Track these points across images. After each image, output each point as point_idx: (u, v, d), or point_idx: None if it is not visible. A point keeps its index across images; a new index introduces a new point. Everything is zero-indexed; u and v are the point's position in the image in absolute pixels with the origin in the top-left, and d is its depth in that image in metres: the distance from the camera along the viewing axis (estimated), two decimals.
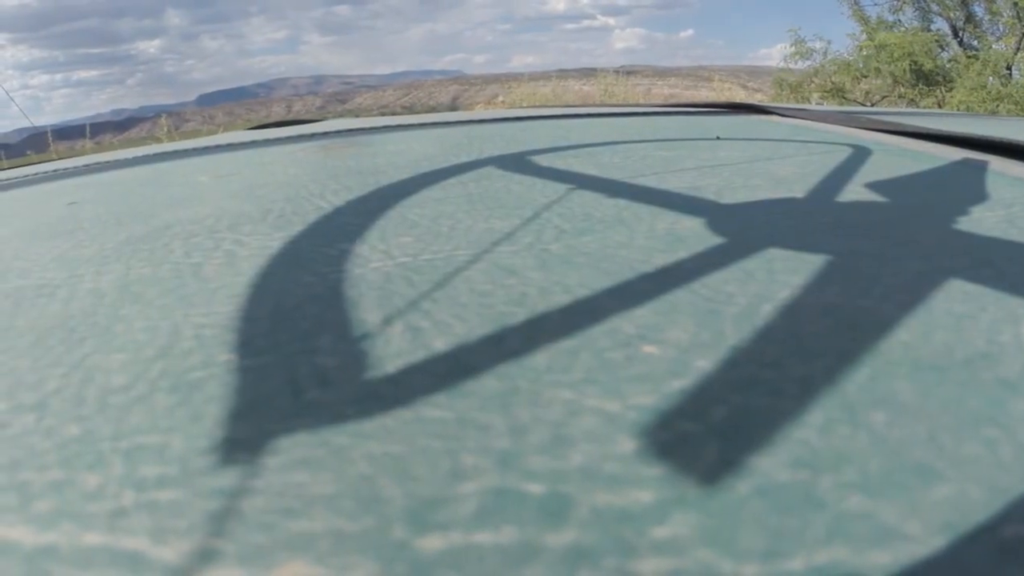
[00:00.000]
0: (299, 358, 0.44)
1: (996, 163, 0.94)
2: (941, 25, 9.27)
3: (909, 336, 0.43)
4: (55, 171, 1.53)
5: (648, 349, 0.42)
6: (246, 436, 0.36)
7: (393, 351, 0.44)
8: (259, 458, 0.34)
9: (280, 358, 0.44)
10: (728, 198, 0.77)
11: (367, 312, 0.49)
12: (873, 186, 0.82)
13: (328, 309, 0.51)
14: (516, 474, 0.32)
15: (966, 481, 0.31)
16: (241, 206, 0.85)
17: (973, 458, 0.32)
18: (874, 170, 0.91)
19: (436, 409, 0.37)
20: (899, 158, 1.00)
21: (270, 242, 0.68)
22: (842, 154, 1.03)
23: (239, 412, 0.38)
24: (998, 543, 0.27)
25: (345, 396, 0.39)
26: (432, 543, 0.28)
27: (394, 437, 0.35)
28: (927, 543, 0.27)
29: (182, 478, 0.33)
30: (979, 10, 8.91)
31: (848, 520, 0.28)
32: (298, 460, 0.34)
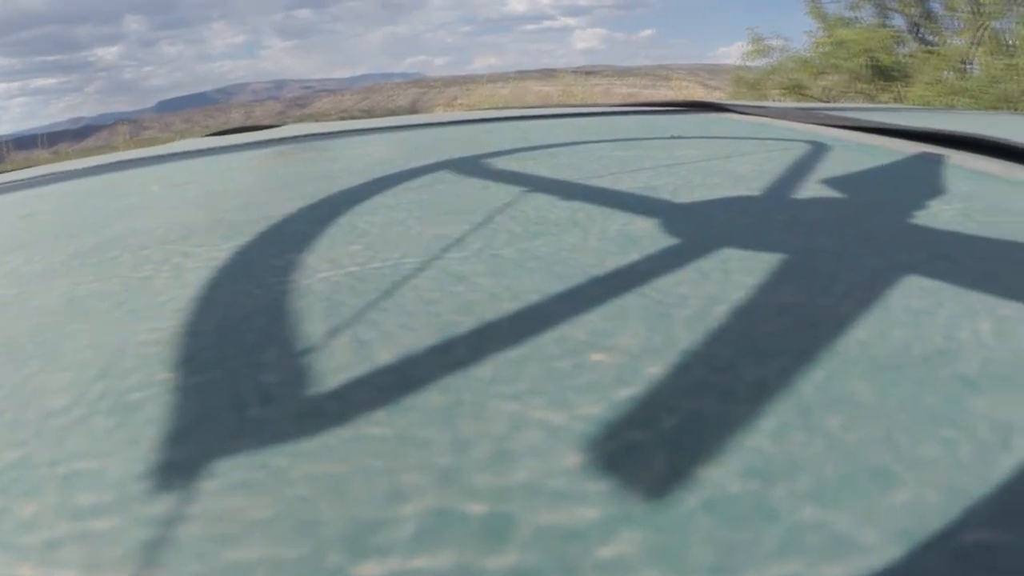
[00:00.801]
0: (242, 374, 0.42)
1: (954, 157, 0.94)
2: (899, 21, 9.36)
3: (866, 334, 0.42)
4: (8, 183, 1.51)
5: (597, 357, 0.41)
6: (184, 459, 0.35)
7: (337, 365, 0.42)
8: (196, 482, 0.33)
9: (223, 374, 0.43)
10: (684, 197, 0.76)
11: (312, 324, 0.48)
12: (831, 182, 0.82)
13: (273, 322, 0.49)
14: (457, 493, 0.31)
15: (924, 485, 0.30)
16: (192, 216, 0.84)
17: (931, 460, 0.31)
18: (832, 166, 0.91)
19: (377, 426, 0.36)
20: (857, 154, 1.00)
21: (219, 253, 0.67)
22: (800, 151, 1.02)
23: (178, 433, 0.37)
24: (957, 550, 0.27)
25: (287, 413, 0.38)
26: (369, 570, 0.27)
27: (334, 456, 0.34)
28: (883, 553, 0.26)
29: (118, 505, 0.32)
30: (936, 6, 9.01)
31: (801, 531, 0.28)
32: (236, 483, 0.33)
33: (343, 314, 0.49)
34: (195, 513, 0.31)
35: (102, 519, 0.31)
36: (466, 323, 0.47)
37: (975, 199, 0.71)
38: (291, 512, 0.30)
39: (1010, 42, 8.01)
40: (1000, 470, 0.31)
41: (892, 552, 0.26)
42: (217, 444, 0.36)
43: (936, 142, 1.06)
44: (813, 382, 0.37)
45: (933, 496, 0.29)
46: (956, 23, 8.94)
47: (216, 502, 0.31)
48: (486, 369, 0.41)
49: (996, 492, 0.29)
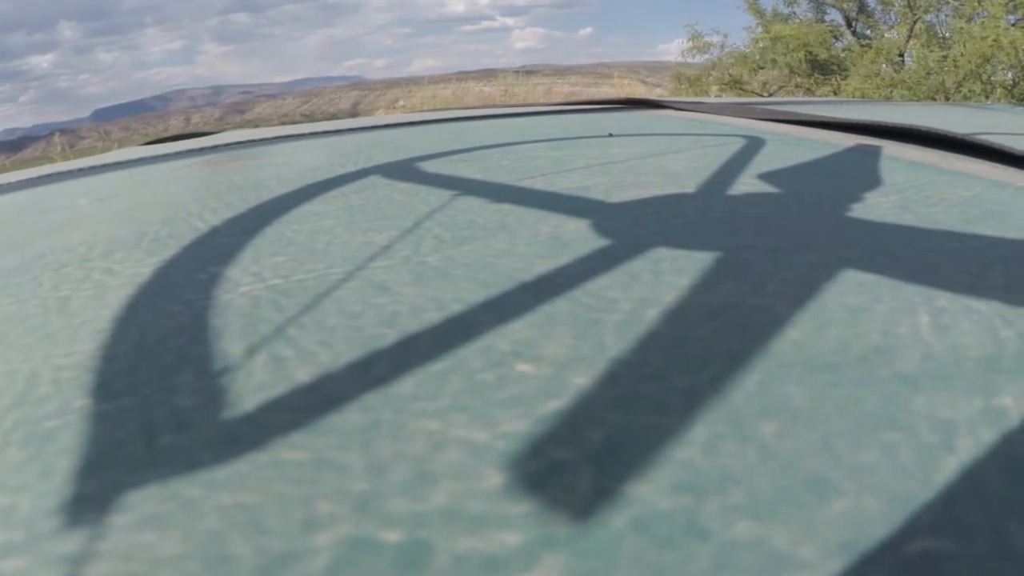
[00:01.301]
0: (156, 399, 0.41)
1: (890, 148, 0.95)
2: (835, 16, 9.53)
3: (801, 334, 0.42)
4: None
5: (522, 367, 0.40)
6: (94, 491, 0.33)
7: (254, 385, 0.41)
8: (106, 517, 0.31)
9: (137, 400, 0.41)
10: (617, 197, 0.75)
11: (231, 343, 0.46)
12: (767, 177, 0.81)
13: (191, 342, 0.48)
14: (373, 520, 0.29)
15: (864, 493, 0.29)
16: (116, 230, 0.81)
17: (871, 466, 0.30)
18: (769, 161, 0.91)
19: (293, 450, 0.34)
20: (794, 147, 1.00)
21: (141, 269, 0.64)
22: (736, 146, 1.02)
23: (89, 464, 0.35)
24: (901, 560, 0.26)
25: (200, 440, 0.36)
26: None
27: (247, 484, 0.32)
28: (824, 568, 0.25)
29: (27, 544, 0.30)
30: (872, 1, 9.18)
31: (735, 549, 0.26)
32: (146, 517, 0.31)
33: (263, 331, 0.48)
34: (104, 550, 0.29)
35: (11, 559, 0.30)
36: (388, 337, 0.45)
37: (912, 189, 0.71)
38: (203, 546, 0.29)
39: (944, 35, 8.17)
40: (944, 474, 0.30)
41: (833, 567, 0.25)
42: (128, 475, 0.34)
43: (873, 133, 1.06)
44: (746, 388, 0.36)
45: (874, 504, 0.28)
46: (891, 17, 9.11)
47: (126, 538, 0.30)
48: (407, 385, 0.39)
49: (940, 497, 0.29)
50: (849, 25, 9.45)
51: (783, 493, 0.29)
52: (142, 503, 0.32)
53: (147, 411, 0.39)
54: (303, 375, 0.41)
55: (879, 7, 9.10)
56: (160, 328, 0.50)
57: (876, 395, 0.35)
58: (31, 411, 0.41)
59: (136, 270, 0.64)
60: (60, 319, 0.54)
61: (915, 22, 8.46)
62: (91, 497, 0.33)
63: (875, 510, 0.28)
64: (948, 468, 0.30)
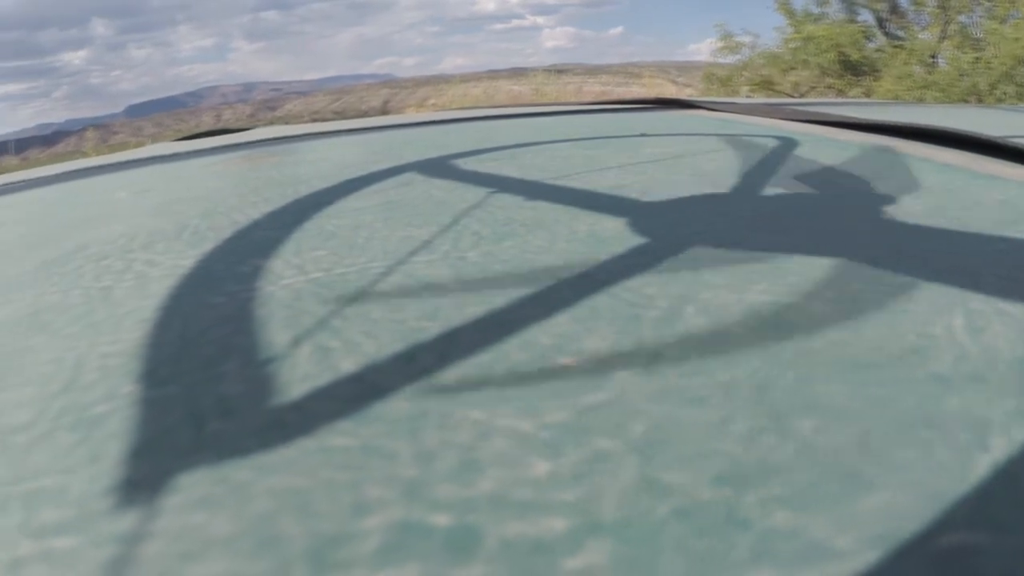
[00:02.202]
0: (203, 387, 0.42)
1: (923, 150, 0.95)
2: (867, 17, 9.44)
3: (838, 334, 0.42)
4: None
5: (565, 361, 0.41)
6: (146, 475, 0.34)
7: (299, 375, 0.42)
8: (158, 498, 0.32)
9: (184, 387, 0.42)
10: (652, 196, 0.75)
11: (275, 333, 0.47)
12: (800, 178, 0.82)
13: (235, 332, 0.48)
14: (422, 505, 0.30)
15: (900, 487, 0.29)
16: (156, 223, 0.83)
17: (907, 462, 0.31)
18: (801, 162, 0.91)
19: (341, 437, 0.35)
20: (826, 149, 1.00)
21: (183, 261, 0.65)
22: (769, 146, 1.02)
23: (139, 449, 0.36)
24: (934, 553, 0.26)
25: (248, 427, 0.37)
26: None
27: (296, 470, 0.33)
28: (859, 558, 0.26)
29: (80, 523, 0.31)
30: (904, 1, 9.09)
31: (774, 538, 0.27)
32: (198, 499, 0.32)
33: (306, 322, 0.48)
34: (157, 530, 0.30)
35: (65, 537, 0.30)
36: (431, 329, 0.46)
37: (945, 192, 0.71)
38: (253, 527, 0.30)
39: (977, 36, 8.08)
40: (977, 471, 0.30)
41: (869, 557, 0.26)
42: (178, 459, 0.35)
43: (905, 135, 1.06)
44: (784, 385, 0.37)
45: (910, 499, 0.29)
46: (924, 18, 9.02)
47: (178, 518, 0.31)
48: (451, 376, 0.40)
49: (974, 494, 0.29)
50: (881, 26, 9.36)
51: (821, 486, 0.30)
52: (192, 486, 0.33)
53: (194, 398, 0.40)
54: (349, 365, 0.42)
55: (911, 8, 9.01)
56: (204, 318, 0.51)
57: (912, 394, 0.36)
58: (79, 397, 0.42)
59: (177, 262, 0.65)
60: (104, 308, 0.55)
61: (948, 23, 8.38)
62: (141, 479, 0.34)
63: (910, 504, 0.28)
64: (982, 465, 0.31)
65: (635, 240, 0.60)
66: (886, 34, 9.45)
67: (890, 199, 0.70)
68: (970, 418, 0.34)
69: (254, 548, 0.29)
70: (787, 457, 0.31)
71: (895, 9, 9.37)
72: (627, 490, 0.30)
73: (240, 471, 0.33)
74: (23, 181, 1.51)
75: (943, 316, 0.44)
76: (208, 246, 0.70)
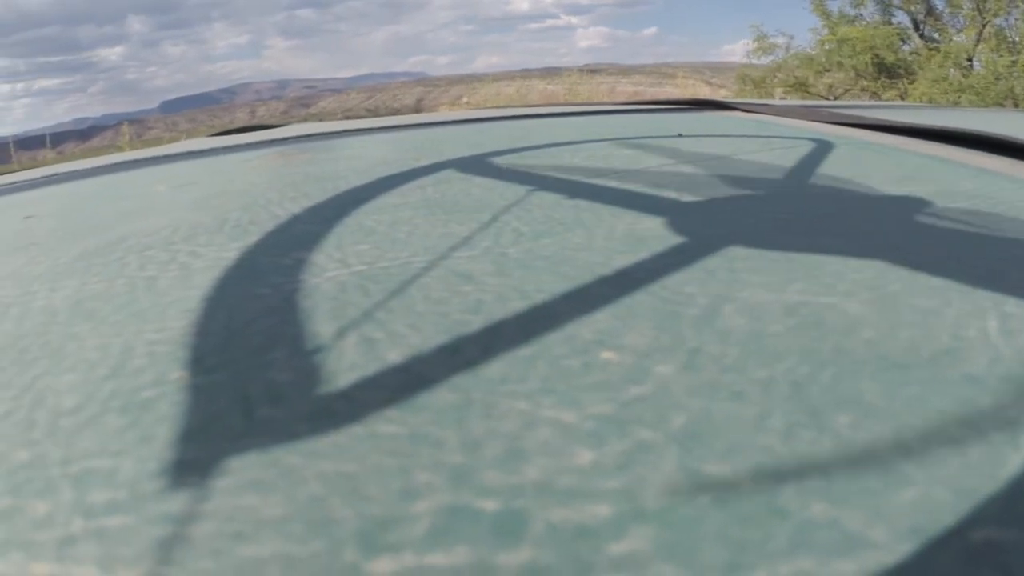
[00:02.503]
0: (251, 374, 0.43)
1: (958, 154, 0.95)
2: (902, 18, 9.37)
3: (874, 334, 0.43)
4: (11, 184, 1.51)
5: (606, 355, 0.41)
6: (196, 457, 0.35)
7: (346, 364, 0.43)
8: (209, 480, 0.33)
9: (232, 374, 0.43)
10: (689, 196, 0.76)
11: (321, 324, 0.48)
12: (836, 180, 0.82)
13: (281, 322, 0.50)
14: (470, 491, 0.31)
15: (933, 483, 0.30)
16: (197, 216, 0.84)
17: (939, 460, 0.31)
18: (837, 164, 0.91)
19: (389, 424, 0.36)
20: (861, 151, 1.01)
21: (225, 253, 0.67)
22: (804, 149, 1.03)
23: (189, 432, 0.37)
24: (966, 547, 0.27)
25: (297, 413, 0.38)
26: (384, 566, 0.27)
27: (346, 455, 0.34)
28: (894, 550, 0.27)
29: (131, 503, 0.32)
30: (940, 3, 9.02)
31: (812, 529, 0.28)
32: (248, 482, 0.33)
33: (351, 314, 0.49)
34: (208, 511, 0.31)
35: (116, 517, 0.31)
36: (474, 323, 0.47)
37: (980, 197, 0.71)
38: (304, 510, 0.31)
39: (1013, 39, 8.00)
40: (1008, 469, 0.31)
41: (902, 549, 0.27)
42: (228, 443, 0.36)
43: (940, 139, 1.06)
44: (821, 382, 0.38)
45: (942, 495, 0.29)
46: (959, 20, 8.94)
47: (229, 500, 0.32)
48: (495, 368, 0.41)
49: (1005, 491, 0.30)
50: (916, 28, 9.29)
51: (856, 480, 0.30)
52: (243, 468, 0.34)
53: (242, 385, 0.41)
54: (394, 356, 0.43)
55: (947, 10, 8.95)
56: (249, 309, 0.52)
57: (945, 394, 0.36)
58: (127, 382, 0.43)
59: (220, 254, 0.66)
60: (148, 297, 0.56)
61: (984, 25, 8.31)
62: (192, 462, 0.35)
63: (943, 500, 0.29)
64: (1013, 464, 0.31)
65: (673, 239, 0.61)
66: (921, 36, 9.37)
67: (925, 202, 0.70)
68: (1002, 419, 0.34)
69: (306, 530, 0.29)
70: (824, 451, 0.32)
71: (931, 11, 9.30)
72: (668, 480, 0.31)
73: (290, 455, 0.34)
74: (63, 173, 1.53)
75: (977, 318, 0.44)
76: (250, 239, 0.71)
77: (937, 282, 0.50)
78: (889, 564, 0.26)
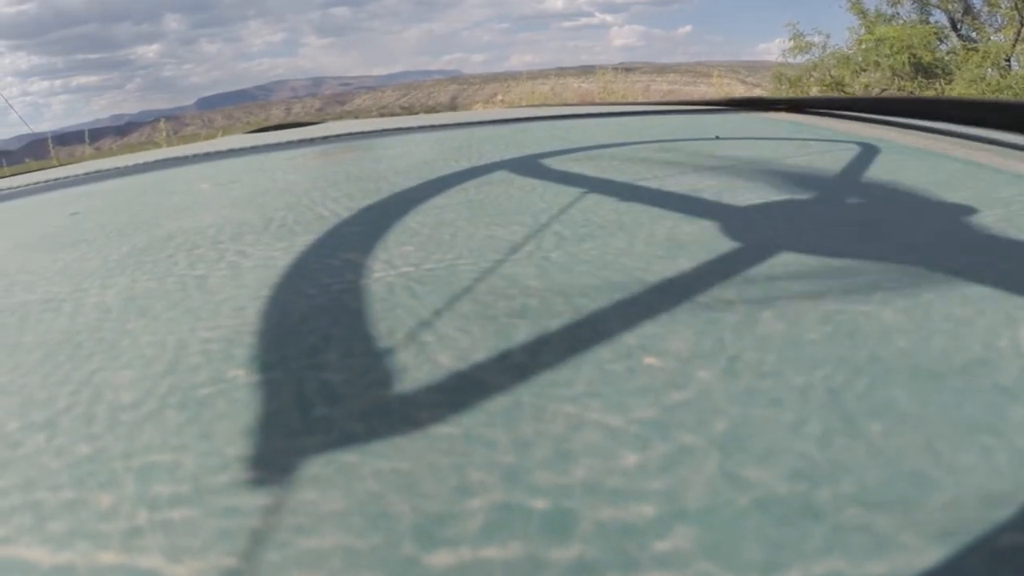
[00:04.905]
0: (306, 373, 0.44)
1: (996, 159, 0.94)
2: (939, 18, 9.25)
3: (907, 342, 0.43)
4: (56, 180, 1.53)
5: (649, 360, 0.43)
6: (256, 454, 0.36)
7: (398, 366, 0.44)
8: (270, 476, 0.35)
9: (287, 373, 0.44)
10: (728, 200, 0.77)
11: (372, 325, 0.50)
12: (874, 184, 0.82)
13: (333, 322, 0.51)
14: (521, 489, 0.32)
15: (962, 489, 0.31)
16: (242, 215, 0.85)
17: (969, 466, 0.32)
18: (874, 169, 0.91)
19: (443, 425, 0.37)
20: (899, 155, 1.00)
21: (272, 252, 0.68)
22: (842, 152, 1.03)
23: (248, 429, 0.39)
24: (994, 551, 0.28)
25: (353, 412, 0.39)
26: (440, 559, 0.29)
27: (402, 454, 0.35)
28: (924, 553, 0.28)
29: (195, 496, 0.33)
30: (977, 2, 8.90)
31: (846, 531, 0.29)
32: (308, 478, 0.34)
33: (400, 316, 0.51)
34: (271, 504, 0.32)
35: (180, 509, 0.33)
36: (520, 327, 0.48)
37: (1016, 203, 0.71)
38: (363, 505, 0.32)
39: None
40: None
41: (932, 552, 0.28)
42: (287, 440, 0.37)
43: (973, 138, 1.05)
44: (856, 389, 0.38)
45: (972, 501, 0.30)
46: (998, 19, 8.82)
47: (289, 495, 0.33)
48: (543, 372, 0.42)
49: None
50: (954, 27, 9.17)
51: (889, 485, 0.31)
52: (303, 465, 0.35)
53: (298, 384, 0.43)
54: (444, 358, 0.44)
55: (985, 8, 8.83)
56: (300, 309, 0.54)
57: (977, 403, 0.37)
58: (184, 379, 0.45)
59: (268, 253, 0.68)
60: (200, 295, 0.58)
61: (1023, 25, 8.20)
62: (252, 458, 0.36)
63: (972, 506, 0.30)
64: None
65: (712, 244, 0.62)
66: (959, 35, 9.25)
67: (961, 208, 0.70)
68: None
69: (365, 524, 0.31)
70: (857, 457, 0.33)
71: (968, 9, 9.18)
72: (710, 482, 0.32)
73: (348, 453, 0.36)
74: (104, 171, 1.55)
75: (1010, 328, 0.45)
76: (296, 239, 0.72)
77: (970, 290, 0.50)
78: (919, 566, 0.27)
